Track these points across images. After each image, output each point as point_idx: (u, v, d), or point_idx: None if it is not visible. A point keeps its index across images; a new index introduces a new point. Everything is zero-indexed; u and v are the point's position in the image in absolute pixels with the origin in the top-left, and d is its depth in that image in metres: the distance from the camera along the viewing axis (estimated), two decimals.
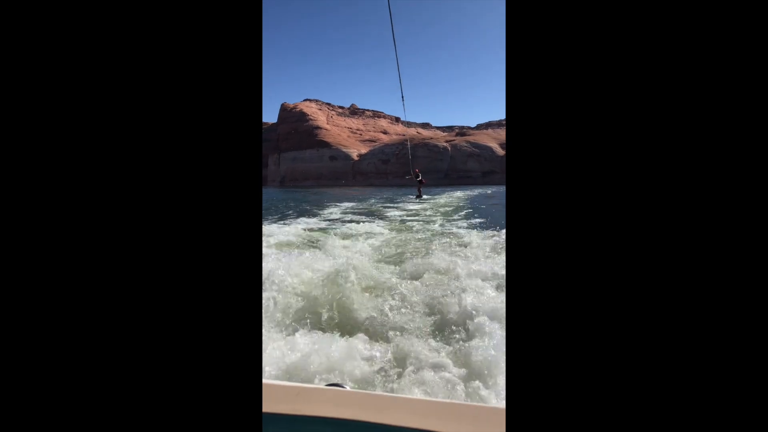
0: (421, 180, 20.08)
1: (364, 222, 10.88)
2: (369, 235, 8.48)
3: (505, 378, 2.35)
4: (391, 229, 8.71)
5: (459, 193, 30.50)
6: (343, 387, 1.06)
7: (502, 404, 0.72)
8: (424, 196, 20.92)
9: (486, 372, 2.71)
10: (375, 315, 3.78)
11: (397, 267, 5.54)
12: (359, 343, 3.10)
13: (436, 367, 2.77)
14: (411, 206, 17.98)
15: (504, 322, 3.15)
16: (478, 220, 11.88)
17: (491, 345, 3.03)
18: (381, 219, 12.36)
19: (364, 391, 1.07)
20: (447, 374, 2.70)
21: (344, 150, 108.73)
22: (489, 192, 37.94)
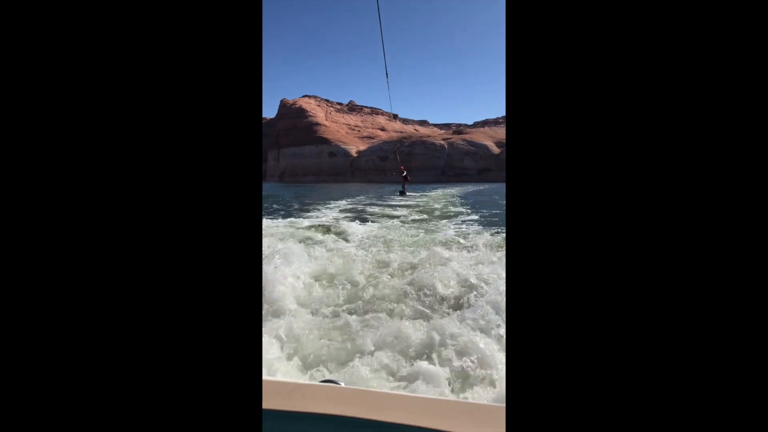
0: (406, 176, 21.47)
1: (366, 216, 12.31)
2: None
3: (505, 376, 2.43)
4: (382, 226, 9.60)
5: (452, 190, 32.14)
6: (338, 384, 1.08)
7: (502, 403, 0.72)
8: (408, 193, 21.39)
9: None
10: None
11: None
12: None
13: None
14: (405, 201, 19.28)
15: (503, 319, 3.22)
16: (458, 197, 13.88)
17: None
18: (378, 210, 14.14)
19: (359, 387, 1.14)
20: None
21: (343, 146, 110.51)
22: (481, 188, 40.16)
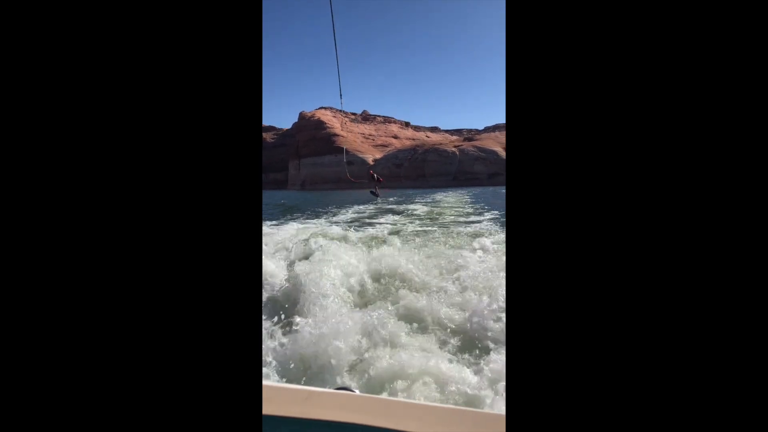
0: (378, 179, 25.87)
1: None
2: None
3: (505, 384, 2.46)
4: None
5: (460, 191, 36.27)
6: (352, 391, 1.09)
7: (503, 410, 0.73)
8: (379, 199, 23.65)
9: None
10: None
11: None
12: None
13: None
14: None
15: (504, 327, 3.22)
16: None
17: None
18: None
19: (370, 395, 1.08)
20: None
21: (360, 155, 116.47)
22: (490, 190, 45.01)
